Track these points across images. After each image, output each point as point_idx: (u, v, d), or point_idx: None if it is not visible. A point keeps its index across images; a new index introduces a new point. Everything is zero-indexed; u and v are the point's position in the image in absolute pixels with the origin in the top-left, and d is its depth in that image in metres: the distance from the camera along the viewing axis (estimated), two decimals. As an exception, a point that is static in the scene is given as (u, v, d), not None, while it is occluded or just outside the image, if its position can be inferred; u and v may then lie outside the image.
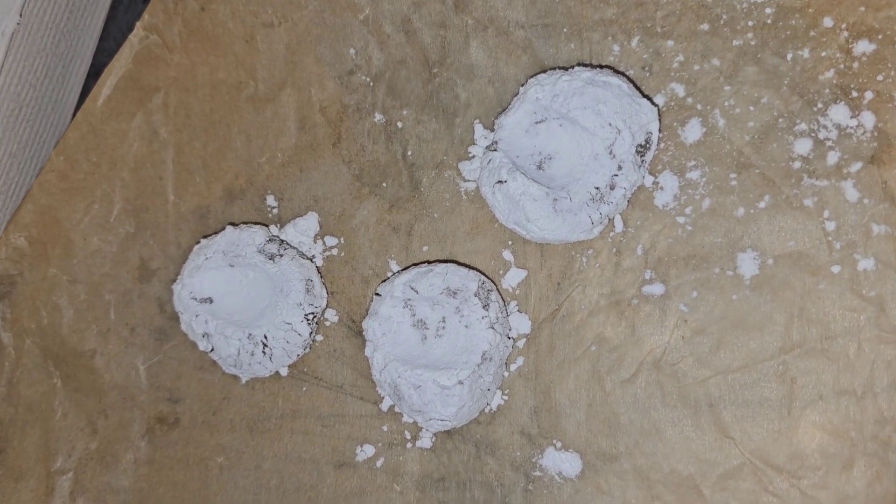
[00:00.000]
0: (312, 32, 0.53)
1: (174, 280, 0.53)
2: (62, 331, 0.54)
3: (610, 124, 0.46)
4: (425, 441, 0.51)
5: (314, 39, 0.53)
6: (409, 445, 0.51)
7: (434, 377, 0.48)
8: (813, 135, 0.47)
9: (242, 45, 0.54)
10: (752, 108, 0.48)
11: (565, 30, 0.50)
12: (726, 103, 0.48)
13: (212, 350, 0.52)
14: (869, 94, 0.46)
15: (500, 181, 0.47)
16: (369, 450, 0.51)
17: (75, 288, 0.54)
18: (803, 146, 0.47)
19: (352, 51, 0.53)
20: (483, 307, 0.48)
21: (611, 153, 0.47)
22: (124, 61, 0.54)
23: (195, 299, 0.51)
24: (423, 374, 0.48)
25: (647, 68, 0.49)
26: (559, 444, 0.49)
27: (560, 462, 0.49)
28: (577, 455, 0.49)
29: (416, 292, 0.49)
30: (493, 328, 0.48)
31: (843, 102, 0.46)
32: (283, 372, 0.53)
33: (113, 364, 0.54)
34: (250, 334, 0.51)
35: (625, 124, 0.46)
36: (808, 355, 0.46)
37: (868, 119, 0.46)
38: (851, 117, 0.46)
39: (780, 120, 0.47)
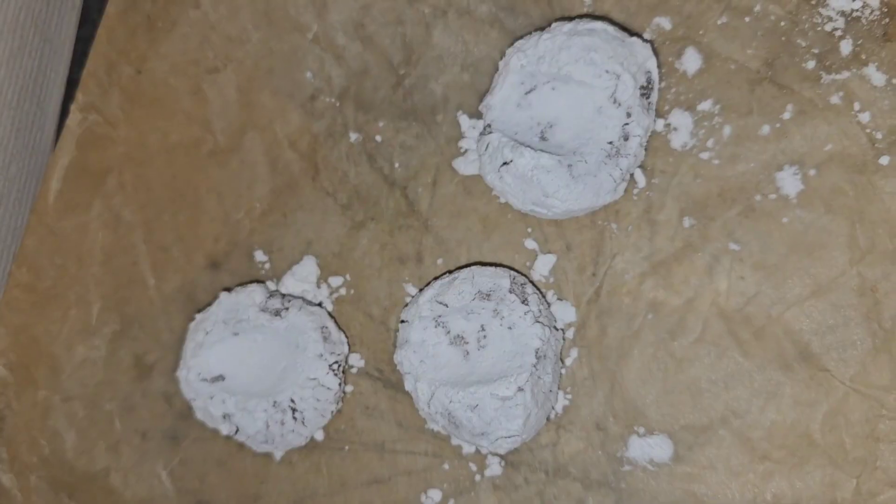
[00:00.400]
0: (262, 66, 0.49)
1: (176, 368, 0.49)
2: (67, 456, 0.49)
3: (607, 71, 0.43)
4: (494, 468, 0.46)
5: (266, 73, 0.49)
6: (477, 478, 0.46)
7: (490, 391, 0.43)
8: (819, 28, 0.44)
9: (190, 99, 0.50)
10: (747, 20, 0.45)
11: (529, -7, 0.47)
12: (719, 22, 0.45)
13: (237, 431, 0.47)
14: (866, -28, 0.44)
15: (505, 163, 0.43)
16: (436, 495, 0.46)
17: (71, 406, 0.50)
18: (812, 43, 0.44)
19: (308, 74, 0.49)
20: (522, 302, 0.44)
21: (615, 102, 0.43)
22: (67, 149, 0.50)
23: (205, 380, 0.47)
24: (477, 392, 0.43)
25: (625, 9, 0.46)
26: (642, 431, 0.45)
27: (648, 449, 0.44)
28: (665, 436, 0.44)
29: (446, 306, 0.45)
30: (539, 322, 0.43)
31: (841, -13, 0.44)
32: (319, 436, 0.48)
33: (131, 478, 0.49)
34: (275, 402, 0.46)
35: (622, 67, 0.43)
36: (883, 258, 0.43)
37: (872, -3, 0.43)
38: (854, 0, 0.43)
39: (781, 23, 0.44)
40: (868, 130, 0.43)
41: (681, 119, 0.45)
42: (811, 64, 0.44)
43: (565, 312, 0.46)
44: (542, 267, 0.46)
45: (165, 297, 0.50)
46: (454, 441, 0.46)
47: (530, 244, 0.47)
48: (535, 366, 0.43)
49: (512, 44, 0.46)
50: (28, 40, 0.53)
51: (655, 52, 0.45)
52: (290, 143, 0.49)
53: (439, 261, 0.48)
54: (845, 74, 0.44)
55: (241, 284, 0.49)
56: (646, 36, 0.46)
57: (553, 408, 0.46)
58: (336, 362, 0.47)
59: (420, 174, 0.48)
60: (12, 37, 0.52)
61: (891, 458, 0.42)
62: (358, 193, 0.49)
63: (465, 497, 0.46)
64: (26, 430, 0.49)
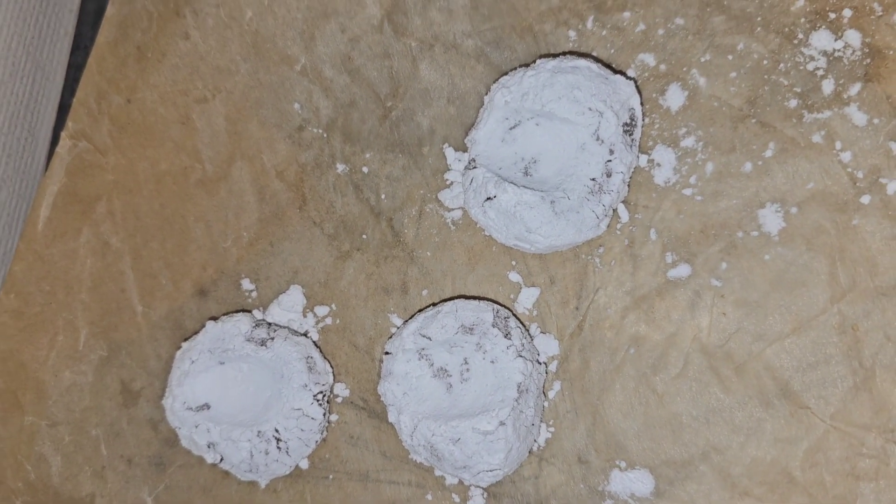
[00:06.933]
0: (250, 97, 0.49)
1: (162, 396, 0.48)
2: (53, 481, 0.49)
3: (590, 109, 0.43)
4: (477, 500, 0.46)
5: (254, 104, 0.49)
6: (460, 509, 0.46)
7: (472, 425, 0.43)
8: (801, 68, 0.44)
9: (179, 129, 0.50)
10: (730, 58, 0.45)
11: (515, 28, 0.47)
12: (702, 59, 0.45)
13: (221, 460, 0.47)
14: (847, 12, 0.44)
15: (489, 198, 0.44)
16: (418, 525, 0.46)
17: (57, 431, 0.49)
18: (794, 82, 0.44)
19: (296, 105, 0.49)
20: (505, 336, 0.44)
21: (598, 139, 0.43)
22: (57, 176, 0.50)
23: (191, 409, 0.46)
24: (459, 425, 0.43)
25: (610, 45, 0.46)
26: (623, 465, 0.45)
27: (630, 483, 0.44)
28: (647, 471, 0.44)
29: (429, 339, 0.45)
30: (521, 356, 0.44)
31: (823, 27, 0.44)
32: (304, 465, 0.48)
33: (116, 504, 0.49)
34: (259, 431, 0.46)
35: (605, 105, 0.43)
36: (863, 297, 0.43)
37: (853, 37, 0.43)
38: (836, 40, 0.44)
39: (764, 62, 0.44)
40: (849, 169, 0.43)
41: (664, 155, 0.45)
42: (793, 103, 0.44)
43: (548, 345, 0.46)
44: (526, 300, 0.46)
45: (153, 324, 0.50)
46: (437, 472, 0.46)
47: (514, 277, 0.47)
48: (516, 400, 0.43)
49: (497, 79, 0.46)
50: (20, 66, 0.54)
51: (639, 90, 0.45)
52: (277, 172, 0.49)
53: (424, 292, 0.48)
54: (827, 114, 0.44)
55: (228, 313, 0.49)
56: (630, 72, 0.46)
57: (535, 440, 0.46)
58: (320, 392, 0.47)
59: (406, 205, 0.48)
60: (4, 63, 0.52)
61: (871, 496, 0.42)
62: (344, 224, 0.49)
63: (447, 528, 0.46)
64: (12, 455, 0.49)
